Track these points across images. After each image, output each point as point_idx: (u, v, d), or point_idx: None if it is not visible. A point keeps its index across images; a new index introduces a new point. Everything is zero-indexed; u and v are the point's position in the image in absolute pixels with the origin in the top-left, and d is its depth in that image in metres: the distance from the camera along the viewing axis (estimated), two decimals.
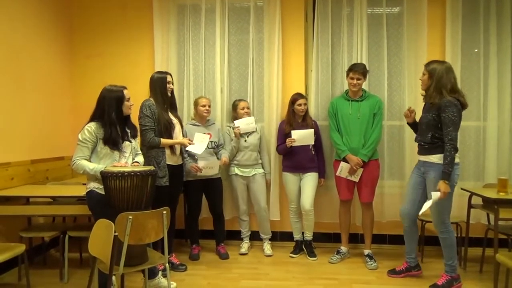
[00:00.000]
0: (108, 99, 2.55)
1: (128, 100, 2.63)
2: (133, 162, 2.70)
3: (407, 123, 3.26)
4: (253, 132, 3.75)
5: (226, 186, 3.89)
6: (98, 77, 4.16)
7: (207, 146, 3.52)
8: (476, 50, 3.82)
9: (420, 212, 2.91)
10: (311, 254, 3.72)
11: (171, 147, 3.28)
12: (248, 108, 3.79)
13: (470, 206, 3.38)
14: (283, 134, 3.67)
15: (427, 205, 2.80)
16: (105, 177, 2.33)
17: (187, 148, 3.33)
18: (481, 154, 3.83)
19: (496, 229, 2.96)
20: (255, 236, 4.03)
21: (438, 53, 3.81)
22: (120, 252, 2.18)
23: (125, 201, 2.31)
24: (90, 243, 2.04)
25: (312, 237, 3.77)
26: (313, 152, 3.69)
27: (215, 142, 3.67)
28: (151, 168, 2.46)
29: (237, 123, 3.66)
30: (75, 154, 2.51)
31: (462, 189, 3.39)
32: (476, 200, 3.35)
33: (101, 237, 1.97)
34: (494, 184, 3.48)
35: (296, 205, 3.75)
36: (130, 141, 2.69)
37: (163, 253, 2.46)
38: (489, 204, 3.15)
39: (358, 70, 3.38)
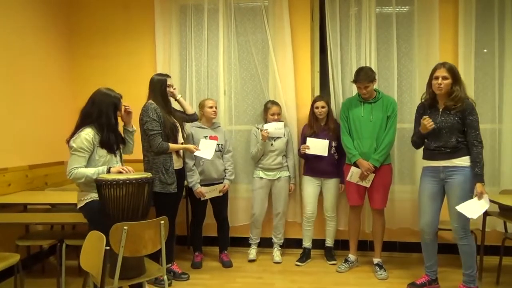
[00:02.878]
0: (106, 102, 2.48)
1: (121, 107, 2.56)
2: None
3: (422, 132, 3.00)
4: (280, 136, 3.65)
5: (247, 190, 3.83)
6: (99, 79, 4.05)
7: (215, 149, 3.43)
8: (485, 51, 3.65)
9: (469, 215, 2.69)
10: (331, 258, 3.64)
11: (177, 151, 3.18)
12: (279, 114, 3.67)
13: (486, 213, 3.19)
14: (303, 138, 3.57)
15: (479, 209, 2.68)
16: (99, 185, 2.22)
17: (195, 154, 3.24)
18: (496, 158, 3.65)
19: None
20: (261, 243, 3.89)
21: (451, 52, 3.66)
22: (114, 265, 2.06)
23: (120, 210, 2.19)
24: (82, 257, 1.92)
25: (333, 245, 3.70)
26: (335, 157, 3.57)
27: (221, 145, 3.56)
28: (148, 175, 2.34)
29: (266, 126, 3.57)
30: (71, 164, 2.40)
31: None
32: (492, 207, 3.18)
33: (93, 250, 1.85)
34: (511, 190, 3.32)
35: (311, 211, 3.64)
36: (120, 150, 2.63)
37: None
38: (507, 212, 2.97)
39: (362, 81, 3.21)
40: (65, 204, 3.07)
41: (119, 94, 2.57)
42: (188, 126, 3.52)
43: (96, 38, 4.15)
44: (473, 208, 2.69)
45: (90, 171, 2.38)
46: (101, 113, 2.46)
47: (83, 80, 4.16)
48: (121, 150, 2.68)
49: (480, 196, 2.69)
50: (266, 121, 3.67)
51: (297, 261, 3.66)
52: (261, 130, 3.55)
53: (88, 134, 2.41)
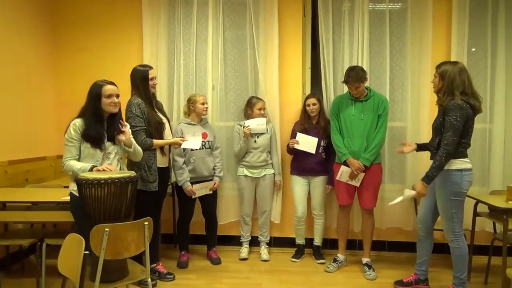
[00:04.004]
0: (89, 95, 2.42)
1: (109, 96, 2.42)
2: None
3: (416, 150, 3.08)
4: (263, 132, 3.58)
5: (233, 187, 3.76)
6: (84, 73, 3.96)
7: (204, 146, 3.40)
8: (473, 49, 3.61)
9: (389, 203, 2.85)
10: (319, 257, 3.61)
11: (161, 148, 3.08)
12: (264, 109, 3.60)
13: (475, 214, 3.19)
14: (294, 134, 3.52)
15: (397, 200, 2.76)
16: (79, 184, 2.12)
17: (182, 146, 3.15)
18: (487, 158, 3.63)
19: (505, 241, 2.77)
20: (249, 241, 3.83)
21: (443, 50, 3.62)
22: (96, 268, 1.97)
23: (102, 211, 2.09)
24: (60, 261, 1.83)
25: (321, 244, 3.67)
26: (323, 156, 3.53)
27: (211, 141, 3.48)
28: (132, 174, 2.25)
29: (247, 122, 3.49)
30: (64, 155, 2.40)
31: (467, 196, 3.19)
32: (482, 208, 3.16)
33: (71, 254, 1.75)
34: (501, 191, 3.31)
35: (302, 212, 3.61)
36: (116, 143, 2.51)
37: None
38: (497, 213, 2.95)
39: (353, 82, 3.14)
40: (47, 202, 2.97)
41: (105, 83, 2.46)
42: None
43: (81, 30, 4.00)
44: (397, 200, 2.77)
45: (77, 166, 2.33)
46: (86, 106, 2.42)
47: (67, 74, 4.03)
48: (118, 148, 2.54)
49: (416, 194, 2.68)
50: (249, 117, 3.60)
51: (292, 257, 3.66)
52: (243, 127, 3.48)
53: (75, 124, 2.38)
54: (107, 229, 1.96)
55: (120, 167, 2.53)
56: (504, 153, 3.58)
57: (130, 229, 2.05)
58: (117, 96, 2.48)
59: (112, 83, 2.49)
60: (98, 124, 2.41)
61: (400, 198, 2.73)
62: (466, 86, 2.64)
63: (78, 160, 2.39)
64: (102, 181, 2.08)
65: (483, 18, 3.58)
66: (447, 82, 2.65)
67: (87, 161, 2.39)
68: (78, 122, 2.39)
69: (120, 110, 2.54)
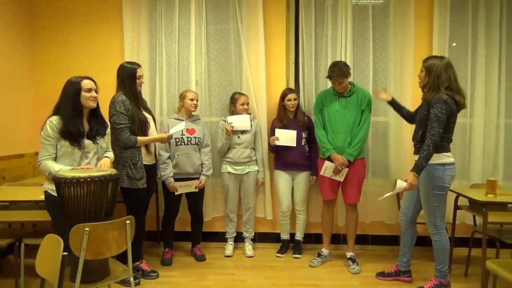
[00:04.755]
0: (66, 91, 2.36)
1: (89, 90, 2.37)
2: (103, 157, 2.53)
3: (388, 102, 3.13)
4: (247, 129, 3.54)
5: (217, 184, 3.72)
6: (62, 67, 3.83)
7: (190, 142, 3.36)
8: (454, 44, 3.65)
9: (379, 198, 2.86)
10: (297, 252, 3.62)
11: (147, 146, 3.03)
12: (248, 104, 3.56)
13: (456, 207, 3.24)
14: (274, 131, 3.50)
15: (388, 194, 2.76)
16: (57, 183, 2.05)
17: (171, 131, 3.10)
18: (467, 152, 3.70)
19: (485, 233, 2.82)
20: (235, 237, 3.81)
21: (425, 45, 3.66)
22: (76, 268, 1.93)
23: (82, 211, 2.04)
24: (38, 262, 1.77)
25: (302, 239, 3.69)
26: (306, 149, 3.53)
27: (199, 138, 3.43)
28: (112, 171, 2.19)
29: (230, 119, 3.45)
30: (40, 154, 2.34)
31: (449, 189, 3.24)
32: (462, 201, 3.22)
33: (49, 256, 1.70)
34: (481, 184, 3.38)
35: (287, 206, 3.62)
36: (96, 141, 2.44)
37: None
38: (477, 206, 3.01)
39: (337, 78, 3.15)
40: (25, 201, 2.87)
41: (82, 77, 2.41)
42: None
43: (60, 23, 3.87)
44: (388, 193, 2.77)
45: (55, 168, 2.27)
46: (63, 102, 2.35)
47: (45, 68, 3.90)
48: (98, 147, 2.50)
49: (408, 186, 2.63)
50: (233, 113, 3.57)
51: (277, 252, 3.66)
52: (226, 124, 3.45)
53: (51, 121, 2.33)
54: (87, 229, 1.91)
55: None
56: (483, 147, 3.65)
57: (111, 228, 2.01)
58: (96, 90, 2.43)
59: (90, 78, 2.44)
60: (77, 120, 2.35)
61: (393, 191, 2.72)
62: (452, 81, 2.68)
63: (55, 159, 2.33)
64: (81, 179, 2.02)
65: (464, 13, 3.62)
66: (433, 77, 2.68)
67: (64, 160, 2.33)
68: (55, 119, 2.33)
69: (98, 105, 2.49)
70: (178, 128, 3.14)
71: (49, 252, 1.70)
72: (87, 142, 2.40)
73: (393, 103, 3.13)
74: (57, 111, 2.37)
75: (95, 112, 2.48)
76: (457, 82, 2.71)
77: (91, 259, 1.97)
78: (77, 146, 2.35)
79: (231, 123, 3.42)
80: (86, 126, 2.44)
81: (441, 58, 2.75)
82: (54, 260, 1.61)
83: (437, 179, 2.70)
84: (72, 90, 2.35)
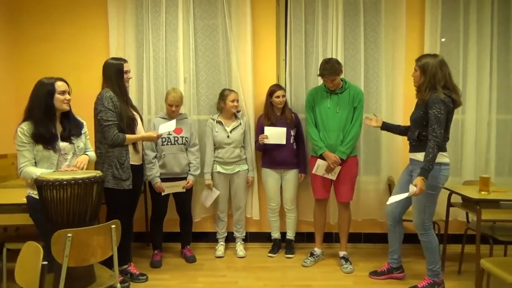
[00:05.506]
0: (37, 93, 2.27)
1: (63, 93, 2.29)
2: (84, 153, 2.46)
3: (380, 128, 3.09)
4: (237, 127, 3.48)
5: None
6: (46, 64, 3.72)
7: (177, 142, 3.29)
8: (443, 40, 3.62)
9: (388, 202, 2.74)
10: (289, 251, 3.56)
11: (134, 145, 2.94)
12: (237, 101, 3.48)
13: (449, 204, 3.22)
14: (261, 129, 3.42)
15: (397, 197, 2.65)
16: (39, 186, 1.96)
17: (160, 130, 3.00)
18: (459, 149, 3.68)
19: (479, 231, 2.80)
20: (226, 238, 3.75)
21: (417, 41, 3.63)
22: (59, 275, 1.84)
23: (65, 215, 1.95)
24: (17, 271, 1.68)
25: (294, 237, 3.63)
26: (294, 147, 3.47)
27: (186, 137, 3.34)
28: (97, 173, 2.11)
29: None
30: (19, 162, 2.25)
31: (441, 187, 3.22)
32: (455, 198, 3.19)
33: (29, 265, 1.61)
34: (473, 181, 3.36)
35: (276, 203, 3.57)
36: (72, 142, 2.36)
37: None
38: (470, 203, 2.98)
39: (329, 76, 3.08)
40: (8, 204, 2.76)
41: (55, 79, 2.33)
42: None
43: (43, 18, 3.74)
44: (396, 198, 2.67)
45: (37, 173, 2.18)
46: (34, 105, 2.27)
47: (28, 66, 3.77)
48: (75, 147, 2.42)
49: (418, 190, 2.55)
50: (222, 110, 3.49)
51: (269, 252, 3.61)
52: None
53: (21, 128, 2.25)
54: (69, 235, 1.82)
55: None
56: (475, 144, 3.64)
57: (96, 233, 1.92)
58: (69, 93, 2.36)
59: (62, 79, 2.36)
60: (50, 123, 2.27)
61: (401, 196, 2.63)
62: (447, 79, 2.64)
63: (35, 164, 2.25)
64: (64, 182, 1.93)
65: (455, 9, 3.58)
66: (429, 76, 2.63)
67: (42, 164, 2.25)
68: (25, 125, 2.25)
69: (70, 108, 2.42)
70: (168, 127, 3.04)
71: (29, 261, 1.61)
72: (62, 144, 2.33)
73: (386, 127, 3.07)
74: (28, 115, 2.28)
75: (67, 114, 2.41)
76: (452, 80, 2.68)
77: (74, 266, 1.88)
78: (52, 149, 2.27)
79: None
80: (59, 128, 2.36)
81: (435, 56, 2.72)
82: (34, 270, 1.52)
83: (431, 178, 2.66)
84: (45, 92, 2.26)
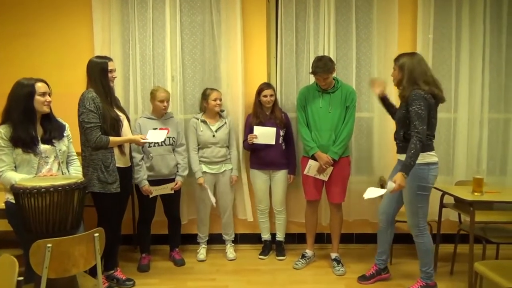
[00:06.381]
0: (16, 94, 2.16)
1: (43, 95, 2.19)
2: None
3: (379, 97, 2.98)
4: (222, 126, 3.40)
5: (193, 184, 3.49)
6: (26, 61, 3.57)
7: (165, 143, 3.19)
8: (430, 36, 3.54)
9: (365, 196, 2.63)
10: (280, 253, 3.50)
11: (120, 147, 2.82)
12: (220, 100, 3.38)
13: (442, 205, 3.18)
14: (250, 128, 3.34)
15: (375, 192, 2.59)
16: (16, 194, 1.85)
17: (146, 141, 2.89)
18: (451, 148, 3.64)
19: (472, 232, 2.77)
20: (212, 240, 3.67)
21: (409, 40, 3.57)
22: (39, 286, 1.74)
23: (44, 224, 1.85)
24: None
25: (284, 239, 3.58)
26: (283, 147, 3.40)
27: (173, 138, 3.25)
28: (78, 179, 2.00)
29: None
30: None
31: (434, 188, 3.18)
32: (447, 198, 3.16)
33: (3, 279, 1.51)
34: (466, 181, 3.32)
35: (265, 204, 3.51)
36: (53, 145, 2.25)
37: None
38: (462, 204, 2.95)
39: (321, 74, 3.01)
40: None
41: (35, 80, 2.23)
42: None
43: (22, 13, 3.58)
44: (374, 192, 2.60)
45: (16, 178, 2.08)
46: (12, 107, 2.16)
47: (7, 63, 3.58)
48: (56, 150, 2.32)
49: (397, 186, 2.49)
50: (205, 110, 3.40)
51: (259, 254, 3.54)
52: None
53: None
54: (49, 245, 1.72)
55: (62, 172, 2.28)
56: (467, 143, 3.61)
57: (78, 243, 1.83)
58: (50, 94, 2.26)
59: (43, 80, 2.26)
60: (29, 125, 2.17)
61: (381, 191, 2.60)
62: (428, 75, 2.61)
63: (16, 168, 2.15)
64: (42, 189, 1.82)
65: (448, 7, 3.53)
66: (407, 73, 2.61)
67: (22, 168, 2.15)
68: (2, 128, 2.14)
69: (51, 109, 2.32)
70: (158, 138, 2.96)
71: (4, 275, 1.51)
72: (43, 147, 2.22)
73: (384, 99, 2.99)
74: (6, 117, 2.17)
75: (48, 116, 2.31)
76: (432, 75, 2.65)
77: (55, 277, 1.78)
78: (32, 152, 2.17)
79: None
80: (40, 130, 2.26)
81: (412, 54, 2.71)
82: (8, 285, 1.42)
83: (421, 179, 2.63)
84: (24, 93, 2.15)
